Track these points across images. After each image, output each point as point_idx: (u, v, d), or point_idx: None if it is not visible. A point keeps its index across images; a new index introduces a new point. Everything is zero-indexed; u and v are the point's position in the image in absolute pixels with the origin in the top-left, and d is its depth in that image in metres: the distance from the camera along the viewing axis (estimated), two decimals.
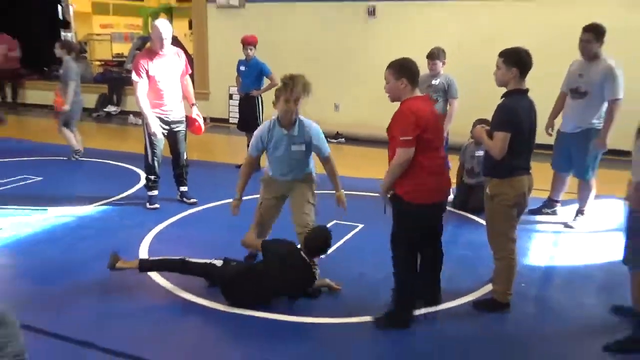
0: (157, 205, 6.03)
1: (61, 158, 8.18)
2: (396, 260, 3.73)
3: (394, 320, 3.70)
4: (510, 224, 3.87)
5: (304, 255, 3.93)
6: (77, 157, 8.09)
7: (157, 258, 4.29)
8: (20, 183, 6.93)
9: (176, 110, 5.95)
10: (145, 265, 4.20)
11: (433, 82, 6.16)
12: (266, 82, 7.60)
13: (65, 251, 4.90)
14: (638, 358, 3.39)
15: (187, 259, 4.07)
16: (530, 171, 3.89)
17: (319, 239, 3.99)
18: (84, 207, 6.02)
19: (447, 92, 6.16)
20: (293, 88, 3.98)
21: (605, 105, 5.22)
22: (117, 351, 3.37)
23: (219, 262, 4.03)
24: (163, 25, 5.80)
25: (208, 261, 4.05)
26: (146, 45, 6.32)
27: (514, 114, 3.74)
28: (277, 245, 4.04)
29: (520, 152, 3.76)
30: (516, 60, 3.75)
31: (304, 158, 4.31)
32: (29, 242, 5.12)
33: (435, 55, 6.12)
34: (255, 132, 4.39)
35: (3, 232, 5.23)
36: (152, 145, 5.90)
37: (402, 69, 3.59)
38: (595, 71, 5.21)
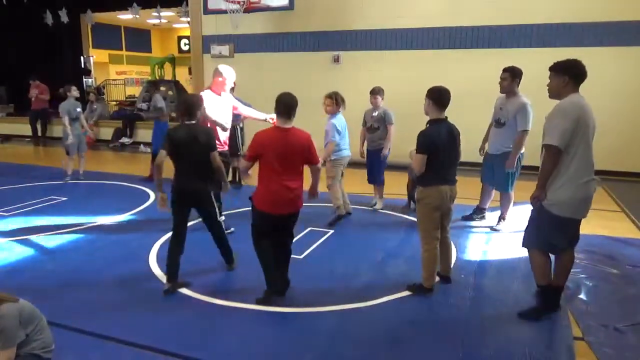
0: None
1: (84, 181, 7.99)
2: (254, 246, 3.80)
3: (268, 294, 3.77)
4: (434, 225, 3.91)
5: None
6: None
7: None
8: (48, 203, 6.74)
9: (224, 145, 5.31)
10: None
11: (374, 113, 6.27)
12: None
13: (86, 257, 4.76)
14: (545, 322, 3.48)
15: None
16: (452, 182, 3.92)
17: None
18: (102, 221, 5.87)
19: (385, 120, 6.22)
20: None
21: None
22: (119, 339, 3.28)
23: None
24: (229, 70, 5.42)
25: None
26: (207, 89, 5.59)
27: (429, 139, 3.77)
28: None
29: (437, 167, 3.79)
30: (435, 98, 3.84)
31: None
32: (57, 250, 4.96)
33: (375, 92, 6.24)
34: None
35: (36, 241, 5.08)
36: None
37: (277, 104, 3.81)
38: (511, 106, 5.25)
